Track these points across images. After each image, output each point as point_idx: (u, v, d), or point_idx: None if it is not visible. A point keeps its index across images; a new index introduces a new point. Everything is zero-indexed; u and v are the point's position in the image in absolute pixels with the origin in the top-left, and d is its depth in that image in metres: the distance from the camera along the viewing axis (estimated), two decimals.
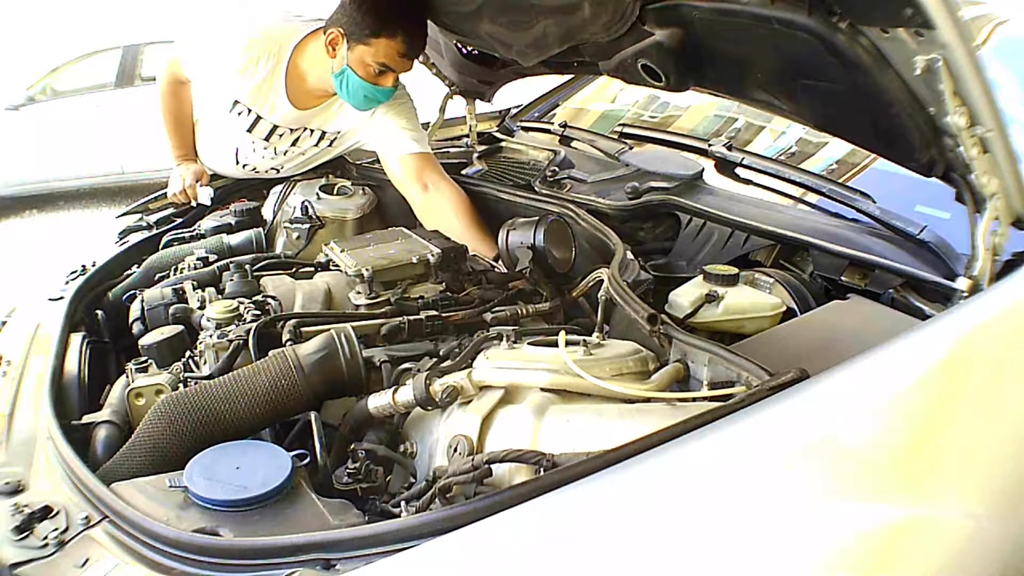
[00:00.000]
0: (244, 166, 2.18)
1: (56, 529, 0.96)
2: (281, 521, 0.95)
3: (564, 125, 2.39)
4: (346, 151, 2.22)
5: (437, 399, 1.13)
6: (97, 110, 6.54)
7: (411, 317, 1.44)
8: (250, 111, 2.02)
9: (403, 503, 1.02)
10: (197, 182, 2.14)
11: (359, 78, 1.87)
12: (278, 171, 2.20)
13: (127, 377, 1.39)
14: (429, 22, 1.94)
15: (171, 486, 0.99)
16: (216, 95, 2.04)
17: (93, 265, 1.82)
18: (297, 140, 2.11)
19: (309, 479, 1.05)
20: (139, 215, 2.17)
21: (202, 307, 1.51)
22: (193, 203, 2.15)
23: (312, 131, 2.10)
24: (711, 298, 1.45)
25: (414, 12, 1.86)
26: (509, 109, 2.70)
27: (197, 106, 2.21)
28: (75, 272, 1.79)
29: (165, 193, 2.24)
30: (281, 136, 2.08)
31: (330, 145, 2.16)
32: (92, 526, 0.97)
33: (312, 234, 2.00)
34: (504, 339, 1.22)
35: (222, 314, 1.41)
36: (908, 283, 1.42)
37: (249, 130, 2.06)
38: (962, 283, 1.20)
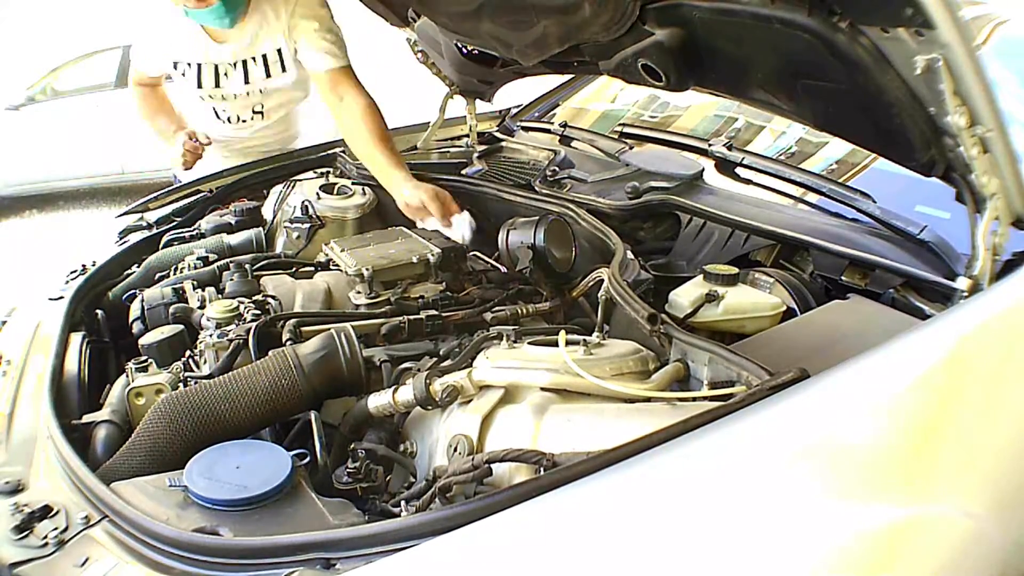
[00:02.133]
0: (228, 119, 2.29)
1: (56, 529, 0.96)
2: (281, 521, 0.95)
3: (564, 125, 2.39)
4: (298, 66, 2.22)
5: (437, 399, 1.13)
6: (97, 110, 6.54)
7: (411, 317, 1.44)
8: (189, 64, 2.13)
9: (403, 503, 1.03)
10: (195, 141, 2.18)
11: (191, 10, 1.97)
12: (262, 115, 2.31)
13: (127, 377, 1.39)
14: (429, 22, 1.94)
15: (171, 486, 0.99)
16: (163, 66, 2.19)
17: (93, 265, 1.82)
18: (247, 75, 2.18)
19: (309, 479, 1.05)
20: (139, 215, 2.16)
21: (202, 307, 1.51)
22: (200, 153, 2.19)
23: (253, 59, 2.17)
24: (711, 298, 1.45)
25: None
26: (509, 109, 2.70)
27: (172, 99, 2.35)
28: (75, 272, 1.79)
29: (165, 193, 2.24)
30: (227, 76, 2.17)
31: (283, 69, 2.20)
32: (92, 526, 0.97)
33: (312, 234, 1.99)
34: (504, 339, 1.22)
35: (222, 314, 1.41)
36: (908, 283, 1.42)
37: (200, 85, 2.17)
38: (962, 283, 1.20)
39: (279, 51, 2.16)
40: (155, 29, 2.12)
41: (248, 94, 2.22)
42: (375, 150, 1.95)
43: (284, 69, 2.20)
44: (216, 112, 2.27)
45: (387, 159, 1.94)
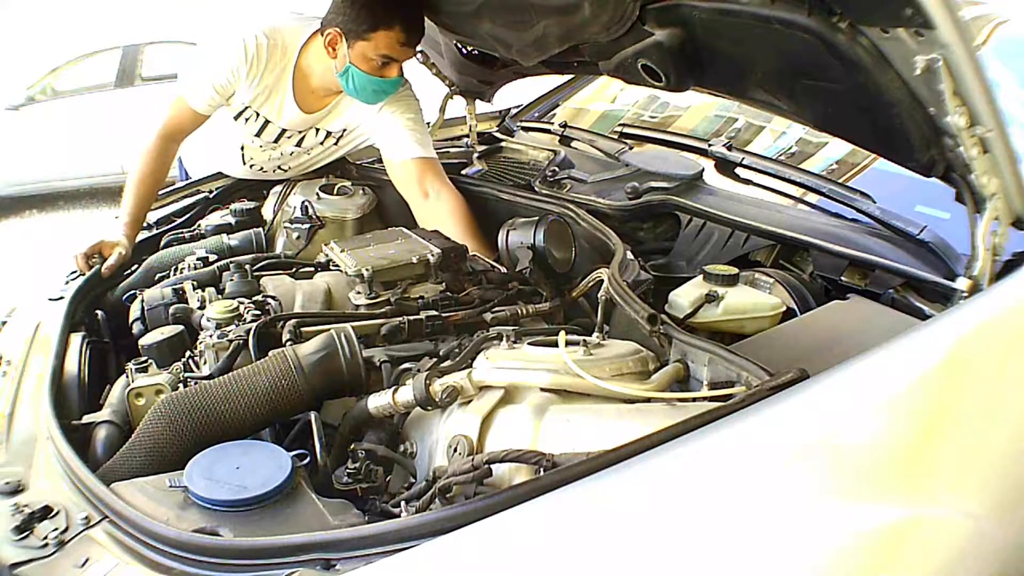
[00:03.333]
0: (251, 166, 2.19)
1: (56, 529, 0.96)
2: (281, 521, 0.95)
3: (564, 125, 2.39)
4: (352, 150, 2.21)
5: (437, 399, 1.13)
6: (97, 110, 6.54)
7: (411, 317, 1.44)
8: (258, 115, 2.01)
9: (403, 503, 1.03)
10: (100, 257, 1.83)
11: (364, 73, 1.87)
12: (285, 170, 2.20)
13: (127, 377, 1.39)
14: (429, 22, 1.94)
15: (171, 486, 0.99)
16: (224, 107, 2.01)
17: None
18: (302, 140, 2.11)
19: (309, 479, 1.05)
20: None
21: (202, 307, 1.51)
22: (83, 273, 1.79)
23: (318, 130, 2.10)
24: (711, 298, 1.45)
25: (409, 1, 1.85)
26: (509, 109, 2.70)
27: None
28: (75, 272, 1.79)
29: (166, 193, 2.24)
30: (289, 138, 2.08)
31: (336, 144, 2.15)
32: (92, 526, 0.97)
33: (312, 234, 2.00)
34: (504, 339, 1.22)
35: (222, 314, 1.41)
36: (908, 283, 1.42)
37: (257, 134, 2.06)
38: (962, 283, 1.20)
39: (344, 130, 2.10)
40: (240, 68, 1.91)
41: (292, 153, 2.14)
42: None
43: (337, 145, 2.15)
44: (243, 156, 2.16)
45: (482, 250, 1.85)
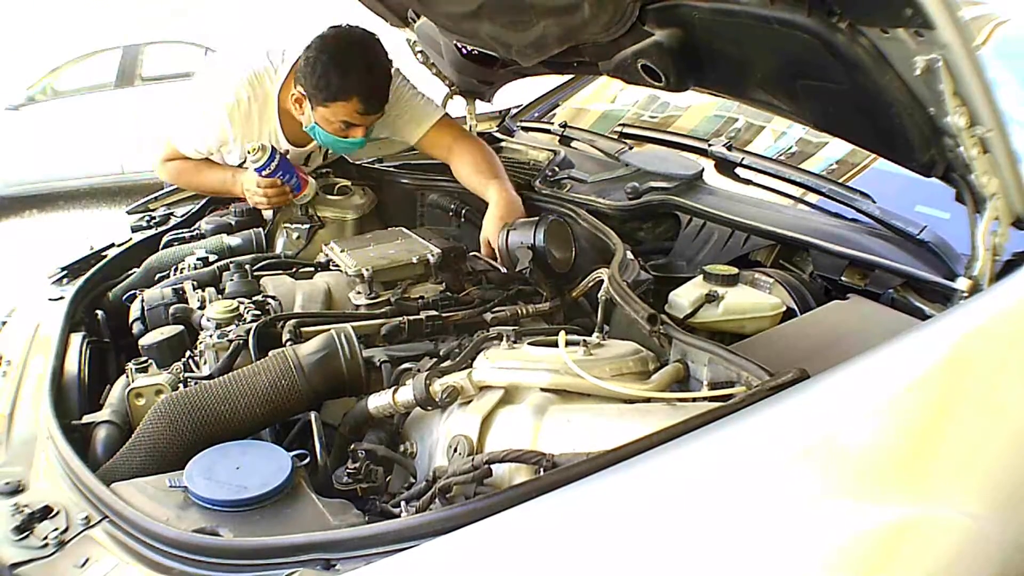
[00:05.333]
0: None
1: (56, 529, 0.96)
2: (281, 521, 0.95)
3: (564, 125, 2.39)
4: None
5: (437, 399, 1.13)
6: (97, 110, 6.54)
7: (411, 317, 1.44)
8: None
9: (403, 503, 1.03)
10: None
11: (328, 134, 1.85)
12: None
13: (127, 377, 1.40)
14: (429, 22, 1.94)
15: (171, 486, 0.99)
16: (216, 151, 2.01)
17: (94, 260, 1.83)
18: (308, 162, 2.12)
19: (309, 479, 1.05)
20: (140, 214, 2.17)
21: (202, 307, 1.51)
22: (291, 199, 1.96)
23: (320, 147, 2.10)
24: (711, 298, 1.45)
25: (367, 74, 1.79)
26: (509, 109, 2.70)
27: None
28: (64, 268, 1.80)
29: (167, 193, 2.25)
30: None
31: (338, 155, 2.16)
32: (92, 526, 0.97)
33: (312, 234, 1.99)
34: (504, 339, 1.22)
35: (222, 314, 1.41)
36: (908, 283, 1.42)
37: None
38: (962, 283, 1.20)
39: None
40: (228, 131, 1.91)
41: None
42: (479, 183, 1.94)
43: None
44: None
45: (487, 184, 1.92)
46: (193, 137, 1.97)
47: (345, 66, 1.75)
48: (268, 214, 2.09)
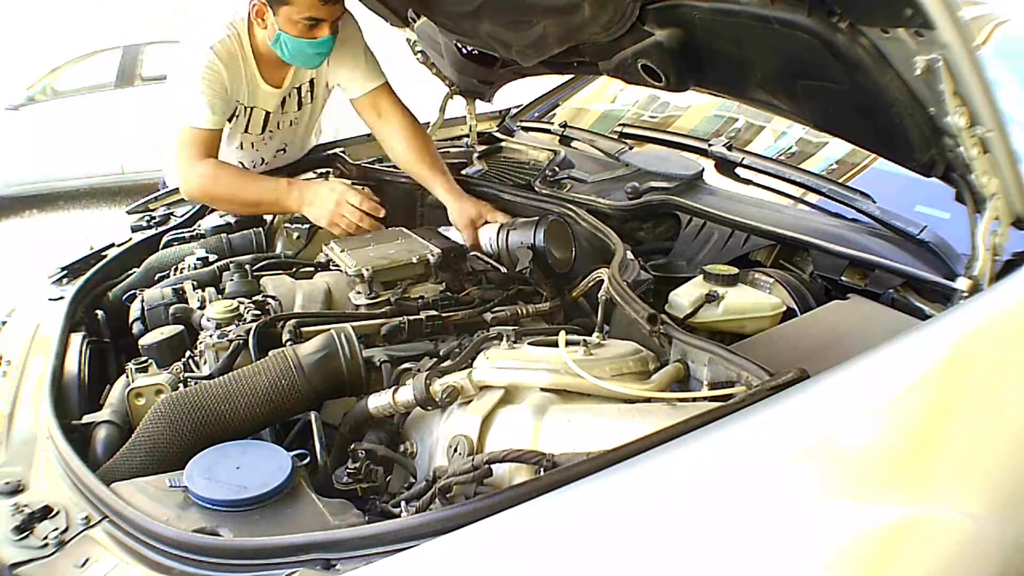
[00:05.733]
0: (254, 163, 2.21)
1: (56, 529, 0.96)
2: (281, 521, 0.95)
3: (564, 125, 2.39)
4: (324, 100, 2.23)
5: (437, 399, 1.13)
6: (97, 110, 6.54)
7: (411, 317, 1.44)
8: (245, 109, 2.03)
9: (403, 503, 1.03)
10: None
11: (294, 38, 1.84)
12: (284, 152, 2.25)
13: (127, 377, 1.39)
14: (429, 22, 1.94)
15: (171, 486, 0.99)
16: (226, 113, 1.99)
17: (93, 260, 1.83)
18: (284, 107, 2.14)
19: (309, 479, 1.05)
20: (140, 214, 2.17)
21: (202, 307, 1.51)
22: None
23: (290, 94, 2.12)
24: (711, 298, 1.45)
25: None
26: (509, 109, 2.70)
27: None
28: (64, 268, 1.80)
29: (167, 192, 2.25)
30: (274, 116, 2.12)
31: (312, 100, 2.18)
32: (92, 526, 0.97)
33: (312, 234, 1.99)
34: (504, 339, 1.22)
35: (222, 314, 1.41)
36: (908, 283, 1.42)
37: (246, 130, 2.08)
38: (962, 283, 1.20)
39: (311, 81, 2.13)
40: (217, 75, 1.87)
41: (281, 129, 2.16)
42: (418, 166, 2.03)
43: (312, 99, 2.18)
44: (244, 156, 2.18)
45: (431, 175, 2.01)
46: (197, 97, 1.86)
47: None
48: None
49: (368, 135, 2.28)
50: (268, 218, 2.09)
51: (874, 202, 1.61)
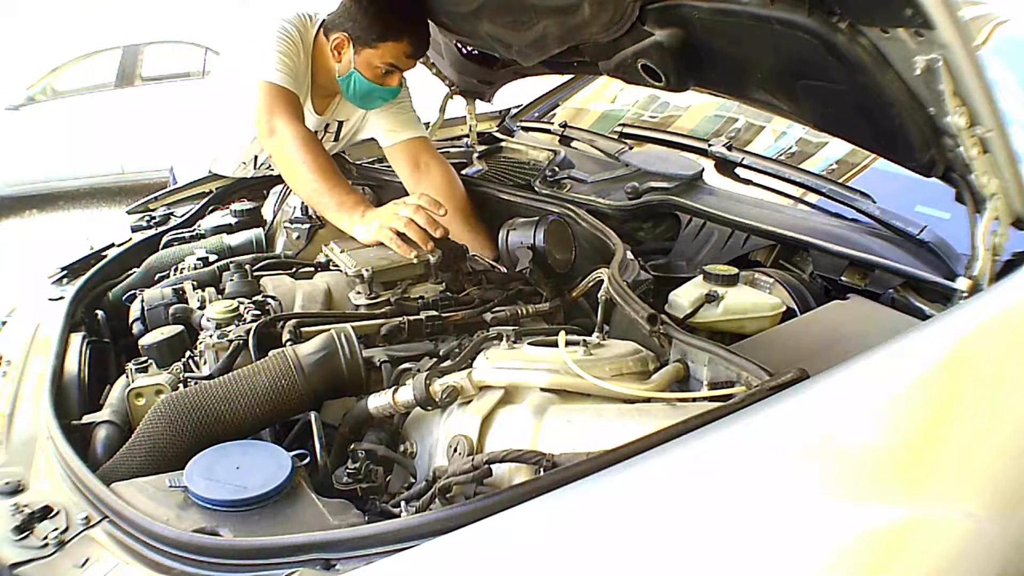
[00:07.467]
0: (261, 165, 2.21)
1: (56, 529, 0.96)
2: (281, 521, 0.95)
3: (564, 125, 2.39)
4: (347, 144, 2.23)
5: (437, 399, 1.13)
6: (97, 110, 6.54)
7: (411, 317, 1.44)
8: None
9: (403, 503, 1.03)
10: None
11: (366, 80, 1.88)
12: None
13: (127, 377, 1.39)
14: (429, 22, 1.94)
15: (171, 486, 0.99)
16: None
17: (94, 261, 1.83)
18: (322, 137, 2.13)
19: (309, 479, 1.05)
20: (140, 214, 2.17)
21: (202, 307, 1.50)
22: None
23: (326, 125, 2.12)
24: (711, 298, 1.45)
25: (419, 14, 1.88)
26: (509, 109, 2.70)
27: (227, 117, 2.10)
28: (64, 269, 1.80)
29: (167, 192, 2.25)
30: None
31: (335, 139, 2.17)
32: (92, 526, 0.97)
33: (312, 234, 1.99)
34: (504, 339, 1.22)
35: (222, 314, 1.41)
36: (908, 283, 1.42)
37: None
38: (962, 283, 1.20)
39: (340, 123, 2.14)
40: (293, 35, 1.87)
41: None
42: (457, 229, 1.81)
43: (336, 139, 2.18)
44: (256, 159, 2.18)
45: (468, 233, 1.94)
46: (270, 55, 1.80)
47: (399, 8, 1.82)
48: (268, 214, 2.09)
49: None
50: (268, 218, 2.09)
51: (874, 202, 1.61)
